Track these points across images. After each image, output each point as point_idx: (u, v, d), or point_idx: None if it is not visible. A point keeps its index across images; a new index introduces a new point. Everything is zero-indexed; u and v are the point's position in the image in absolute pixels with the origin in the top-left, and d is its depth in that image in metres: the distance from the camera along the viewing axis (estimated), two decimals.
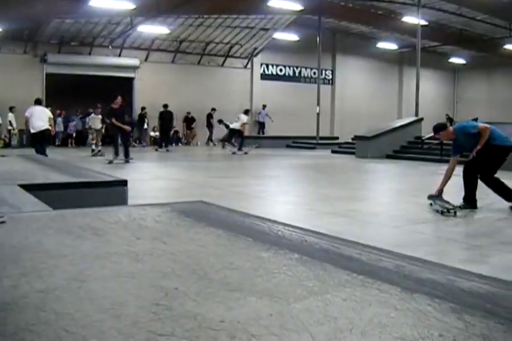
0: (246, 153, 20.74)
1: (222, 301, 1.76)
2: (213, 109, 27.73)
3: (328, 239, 2.63)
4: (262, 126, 30.37)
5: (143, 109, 25.95)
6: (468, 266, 4.12)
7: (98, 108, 21.31)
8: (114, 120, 15.59)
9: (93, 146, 19.51)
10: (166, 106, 23.61)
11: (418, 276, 2.05)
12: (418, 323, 1.58)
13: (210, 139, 27.71)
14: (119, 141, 15.86)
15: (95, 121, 20.56)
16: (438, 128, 8.18)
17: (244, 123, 21.46)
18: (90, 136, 21.94)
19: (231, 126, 21.52)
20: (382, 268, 2.16)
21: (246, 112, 22.49)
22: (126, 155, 15.81)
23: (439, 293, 1.86)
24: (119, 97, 15.99)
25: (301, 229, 2.87)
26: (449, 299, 1.79)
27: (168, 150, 22.15)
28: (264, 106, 30.05)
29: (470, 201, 7.81)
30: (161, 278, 2.01)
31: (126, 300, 1.76)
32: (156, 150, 22.57)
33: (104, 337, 1.48)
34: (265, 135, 29.20)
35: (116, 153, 15.72)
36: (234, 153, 20.62)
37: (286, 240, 2.62)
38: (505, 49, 30.76)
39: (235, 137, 21.53)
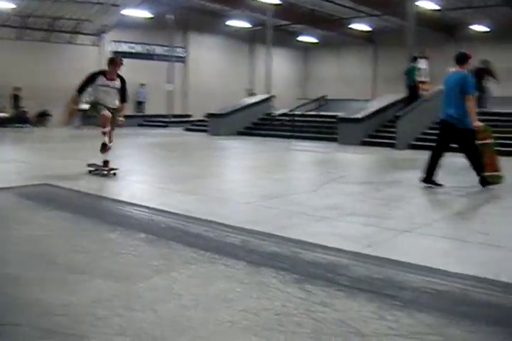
0: None
1: (67, 285, 1.72)
2: None
3: (176, 218, 2.64)
4: (141, 105, 29.38)
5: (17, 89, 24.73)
6: (315, 238, 4.26)
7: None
8: None
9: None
10: None
11: (264, 250, 2.11)
12: (262, 295, 1.62)
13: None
14: None
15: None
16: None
17: None
18: None
19: None
20: (228, 244, 2.20)
21: None
22: None
23: (285, 265, 1.93)
24: None
25: (148, 208, 2.86)
26: (293, 271, 1.86)
27: None
28: (142, 85, 29.11)
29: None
30: (2, 266, 1.93)
31: None
32: None
33: None
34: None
35: None
36: None
37: (134, 220, 2.60)
38: (350, 28, 31.96)
39: None
